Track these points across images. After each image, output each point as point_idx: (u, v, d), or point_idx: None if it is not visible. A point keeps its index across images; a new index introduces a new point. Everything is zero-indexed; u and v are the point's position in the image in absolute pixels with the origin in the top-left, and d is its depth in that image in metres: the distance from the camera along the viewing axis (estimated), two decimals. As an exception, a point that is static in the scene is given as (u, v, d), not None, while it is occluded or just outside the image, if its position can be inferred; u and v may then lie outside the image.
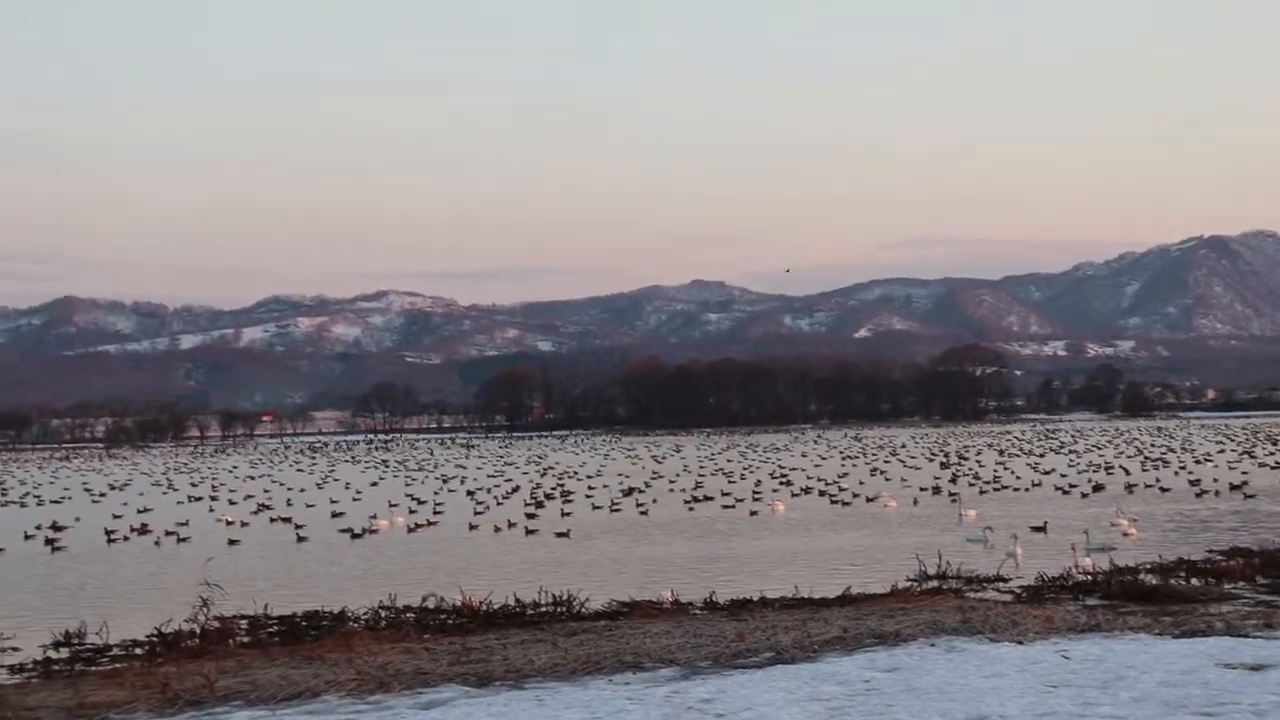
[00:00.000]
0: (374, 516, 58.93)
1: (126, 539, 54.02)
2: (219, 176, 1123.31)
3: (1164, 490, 65.74)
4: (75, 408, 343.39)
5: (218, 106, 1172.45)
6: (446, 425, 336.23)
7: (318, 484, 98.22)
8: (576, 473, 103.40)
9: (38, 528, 59.02)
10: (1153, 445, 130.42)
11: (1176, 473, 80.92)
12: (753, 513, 58.14)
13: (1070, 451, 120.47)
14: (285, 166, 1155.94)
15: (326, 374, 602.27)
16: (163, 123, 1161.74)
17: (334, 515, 63.27)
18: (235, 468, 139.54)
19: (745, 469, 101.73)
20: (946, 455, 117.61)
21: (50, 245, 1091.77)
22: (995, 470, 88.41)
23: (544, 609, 28.17)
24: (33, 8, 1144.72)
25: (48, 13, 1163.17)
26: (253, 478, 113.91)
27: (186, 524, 58.49)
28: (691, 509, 62.25)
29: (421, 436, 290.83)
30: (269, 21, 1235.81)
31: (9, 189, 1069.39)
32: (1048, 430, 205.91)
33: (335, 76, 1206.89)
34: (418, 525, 55.64)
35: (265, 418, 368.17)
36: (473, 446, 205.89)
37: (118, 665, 23.14)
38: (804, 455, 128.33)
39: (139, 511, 71.00)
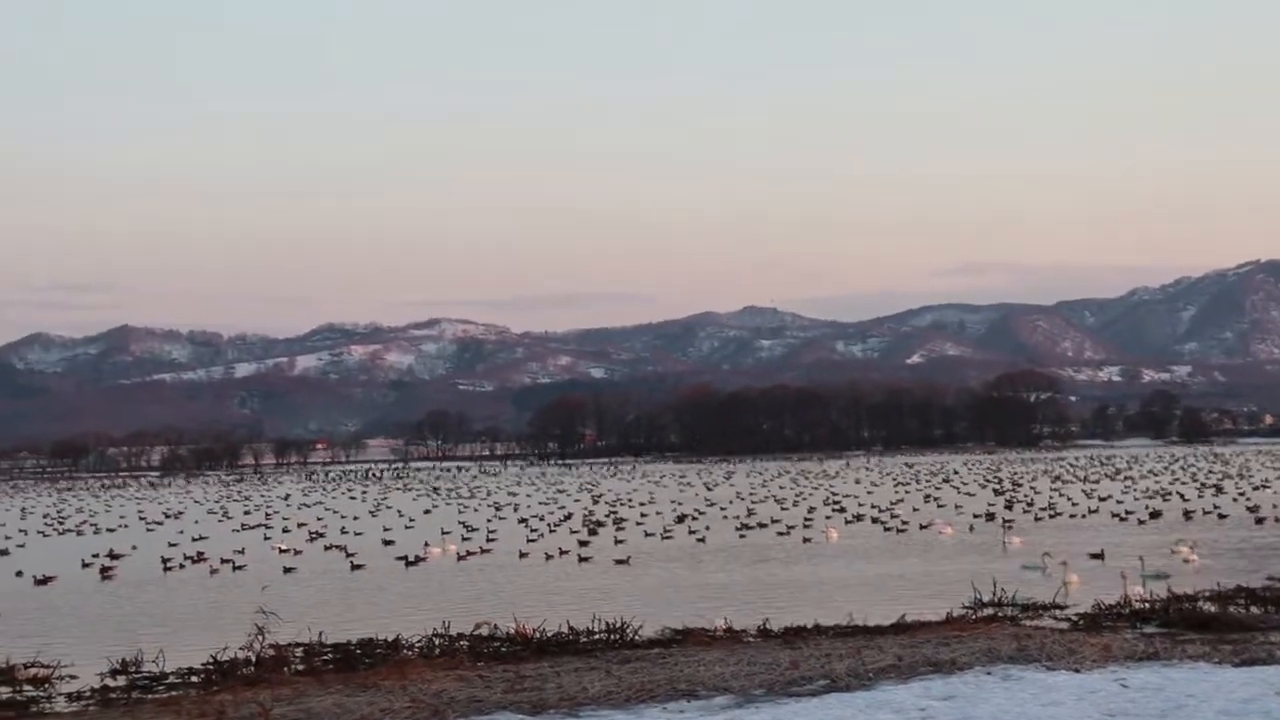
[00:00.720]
0: (426, 544, 59.21)
1: (182, 567, 54.47)
2: (272, 206, 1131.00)
3: (1222, 517, 65.02)
4: (131, 436, 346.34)
5: (270, 137, 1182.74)
6: (500, 453, 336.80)
7: (371, 511, 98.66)
8: (629, 499, 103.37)
9: (95, 556, 59.62)
10: (1209, 471, 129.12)
11: (1235, 499, 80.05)
12: (806, 540, 57.94)
13: (1126, 478, 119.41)
14: (337, 197, 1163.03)
15: (380, 402, 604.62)
16: (215, 153, 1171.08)
17: (386, 543, 63.59)
18: (289, 496, 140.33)
19: (798, 496, 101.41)
20: (1000, 482, 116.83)
21: (106, 275, 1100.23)
22: (1050, 497, 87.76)
23: (597, 636, 28.12)
24: (76, 35, 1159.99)
25: (87, 40, 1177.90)
26: (306, 505, 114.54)
27: (242, 552, 58.87)
28: (744, 536, 62.14)
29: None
30: (322, 55, 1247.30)
31: (65, 221, 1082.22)
32: (1103, 456, 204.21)
33: (387, 106, 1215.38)
34: (469, 553, 55.82)
35: (319, 445, 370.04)
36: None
37: (174, 693, 23.29)
38: (857, 482, 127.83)
39: (194, 540, 71.49)
